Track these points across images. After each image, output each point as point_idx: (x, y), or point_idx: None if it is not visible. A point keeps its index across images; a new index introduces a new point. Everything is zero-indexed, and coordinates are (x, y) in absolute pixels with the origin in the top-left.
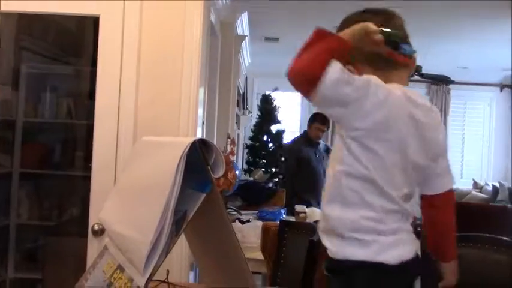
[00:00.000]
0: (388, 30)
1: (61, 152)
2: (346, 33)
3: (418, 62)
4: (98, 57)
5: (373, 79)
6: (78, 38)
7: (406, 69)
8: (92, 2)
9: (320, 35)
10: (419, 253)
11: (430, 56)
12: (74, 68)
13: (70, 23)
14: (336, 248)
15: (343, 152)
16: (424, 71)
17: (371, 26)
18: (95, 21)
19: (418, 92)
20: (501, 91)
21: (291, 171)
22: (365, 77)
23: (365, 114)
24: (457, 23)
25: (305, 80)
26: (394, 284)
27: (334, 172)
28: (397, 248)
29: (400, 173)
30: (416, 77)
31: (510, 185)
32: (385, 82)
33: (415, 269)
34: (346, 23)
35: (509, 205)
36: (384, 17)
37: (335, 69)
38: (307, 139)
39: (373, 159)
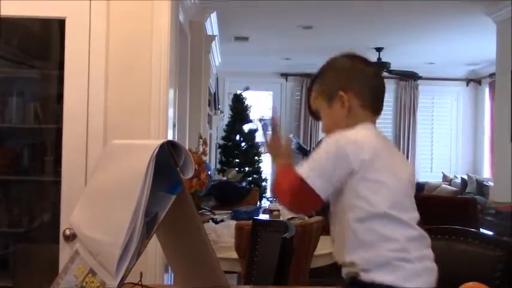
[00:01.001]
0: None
1: (30, 157)
2: (285, 156)
3: (387, 59)
4: (65, 60)
5: (336, 138)
6: (44, 41)
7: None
8: (58, 5)
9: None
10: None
11: (399, 52)
12: (41, 72)
13: (36, 26)
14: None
15: (350, 198)
16: (392, 67)
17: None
18: (61, 23)
19: None
20: (467, 85)
21: None
22: (329, 142)
23: (356, 160)
24: (425, 20)
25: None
26: None
27: (347, 222)
28: (424, 276)
29: (406, 197)
30: (385, 73)
31: (478, 177)
32: (363, 119)
33: None
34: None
35: (477, 196)
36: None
37: (314, 184)
38: None
39: (380, 189)
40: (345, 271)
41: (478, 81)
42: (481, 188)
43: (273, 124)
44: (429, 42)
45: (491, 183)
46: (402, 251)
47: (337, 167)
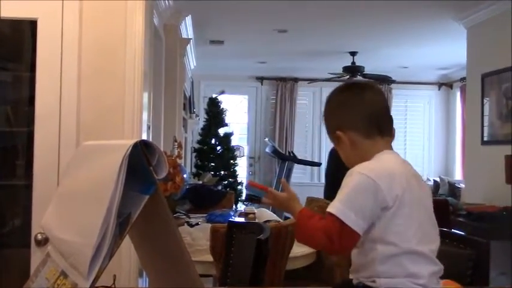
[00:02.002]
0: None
1: (0, 161)
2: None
3: (361, 63)
4: (37, 61)
5: (365, 173)
6: (16, 43)
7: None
8: (30, 5)
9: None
10: None
11: (373, 56)
12: (13, 74)
13: (6, 28)
14: None
15: (381, 233)
16: (366, 71)
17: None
18: (33, 24)
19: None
20: (439, 89)
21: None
22: (359, 178)
23: (390, 195)
24: (398, 25)
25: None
26: None
27: (375, 253)
28: None
29: (431, 227)
30: (359, 77)
31: (449, 179)
32: (373, 149)
33: None
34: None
35: (449, 198)
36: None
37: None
38: None
39: (411, 224)
40: (356, 276)
41: (450, 85)
42: (453, 189)
43: (259, 190)
44: (402, 47)
45: (462, 185)
46: (424, 286)
47: (370, 202)
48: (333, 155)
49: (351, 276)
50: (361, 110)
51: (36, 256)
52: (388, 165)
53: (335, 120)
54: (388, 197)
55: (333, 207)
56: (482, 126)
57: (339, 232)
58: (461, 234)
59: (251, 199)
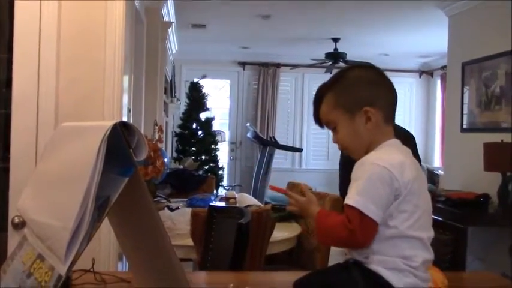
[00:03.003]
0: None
1: None
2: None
3: (343, 50)
4: (14, 42)
5: (378, 164)
6: None
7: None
8: None
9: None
10: None
11: (355, 43)
12: None
13: None
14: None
15: (385, 218)
16: (348, 57)
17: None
18: (10, 4)
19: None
20: (420, 77)
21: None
22: (372, 168)
23: (404, 184)
24: (379, 12)
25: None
26: None
27: (377, 234)
28: None
29: (429, 215)
30: (341, 64)
31: (429, 166)
32: (384, 135)
33: None
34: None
35: (428, 185)
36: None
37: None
38: None
39: (415, 212)
40: (351, 256)
41: (430, 73)
42: (432, 176)
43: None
44: (384, 34)
45: (441, 172)
46: (416, 269)
47: (387, 192)
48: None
49: (346, 256)
50: (389, 93)
51: (13, 239)
52: (398, 155)
53: (367, 96)
54: (401, 186)
55: (352, 200)
56: (462, 114)
57: (359, 224)
58: (439, 219)
59: (275, 208)
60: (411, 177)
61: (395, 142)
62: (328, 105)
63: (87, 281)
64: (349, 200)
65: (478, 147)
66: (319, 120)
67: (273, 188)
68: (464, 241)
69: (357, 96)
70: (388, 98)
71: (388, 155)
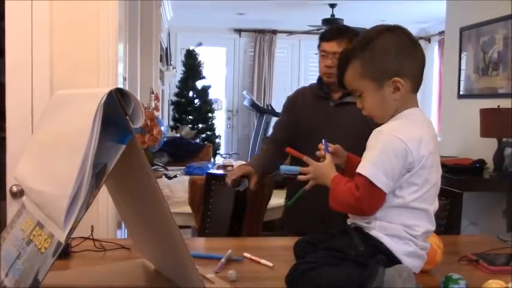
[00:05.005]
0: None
1: None
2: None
3: (340, 15)
4: (6, 9)
5: (396, 136)
6: None
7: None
8: None
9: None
10: None
11: (351, 9)
12: None
13: None
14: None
15: (394, 188)
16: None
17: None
18: None
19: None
20: None
21: None
22: (388, 140)
23: (418, 158)
24: None
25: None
26: None
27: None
28: (418, 260)
29: (438, 188)
30: None
31: None
32: (410, 104)
33: None
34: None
35: None
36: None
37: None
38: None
39: (424, 185)
40: (353, 221)
41: (428, 39)
42: None
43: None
44: (381, 0)
45: (438, 139)
46: (416, 238)
47: (400, 165)
48: None
49: (348, 222)
50: (419, 61)
51: (12, 208)
52: (417, 128)
53: (396, 65)
54: (415, 160)
55: (364, 169)
56: (459, 80)
57: (368, 193)
58: None
59: (287, 178)
60: (426, 153)
61: (418, 112)
62: (354, 73)
63: (86, 248)
64: (361, 169)
65: (475, 113)
66: (343, 85)
67: (290, 152)
68: (459, 206)
69: (385, 66)
70: (418, 67)
71: (408, 127)
